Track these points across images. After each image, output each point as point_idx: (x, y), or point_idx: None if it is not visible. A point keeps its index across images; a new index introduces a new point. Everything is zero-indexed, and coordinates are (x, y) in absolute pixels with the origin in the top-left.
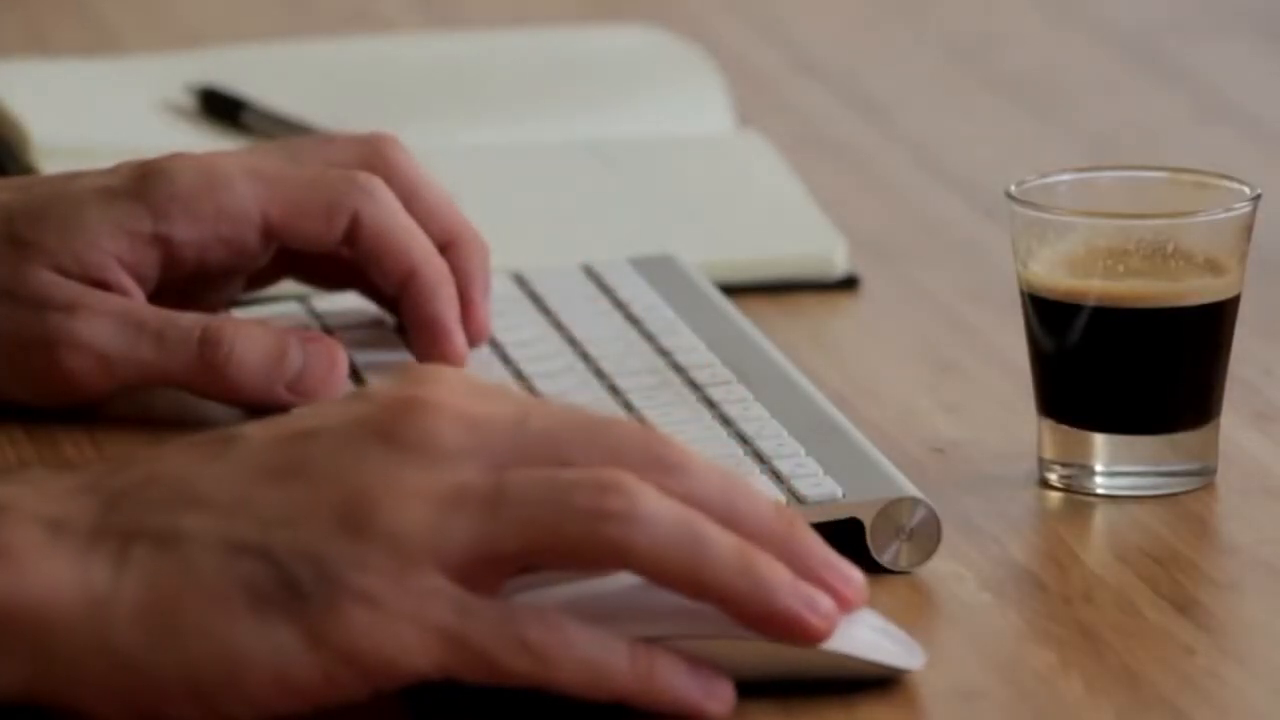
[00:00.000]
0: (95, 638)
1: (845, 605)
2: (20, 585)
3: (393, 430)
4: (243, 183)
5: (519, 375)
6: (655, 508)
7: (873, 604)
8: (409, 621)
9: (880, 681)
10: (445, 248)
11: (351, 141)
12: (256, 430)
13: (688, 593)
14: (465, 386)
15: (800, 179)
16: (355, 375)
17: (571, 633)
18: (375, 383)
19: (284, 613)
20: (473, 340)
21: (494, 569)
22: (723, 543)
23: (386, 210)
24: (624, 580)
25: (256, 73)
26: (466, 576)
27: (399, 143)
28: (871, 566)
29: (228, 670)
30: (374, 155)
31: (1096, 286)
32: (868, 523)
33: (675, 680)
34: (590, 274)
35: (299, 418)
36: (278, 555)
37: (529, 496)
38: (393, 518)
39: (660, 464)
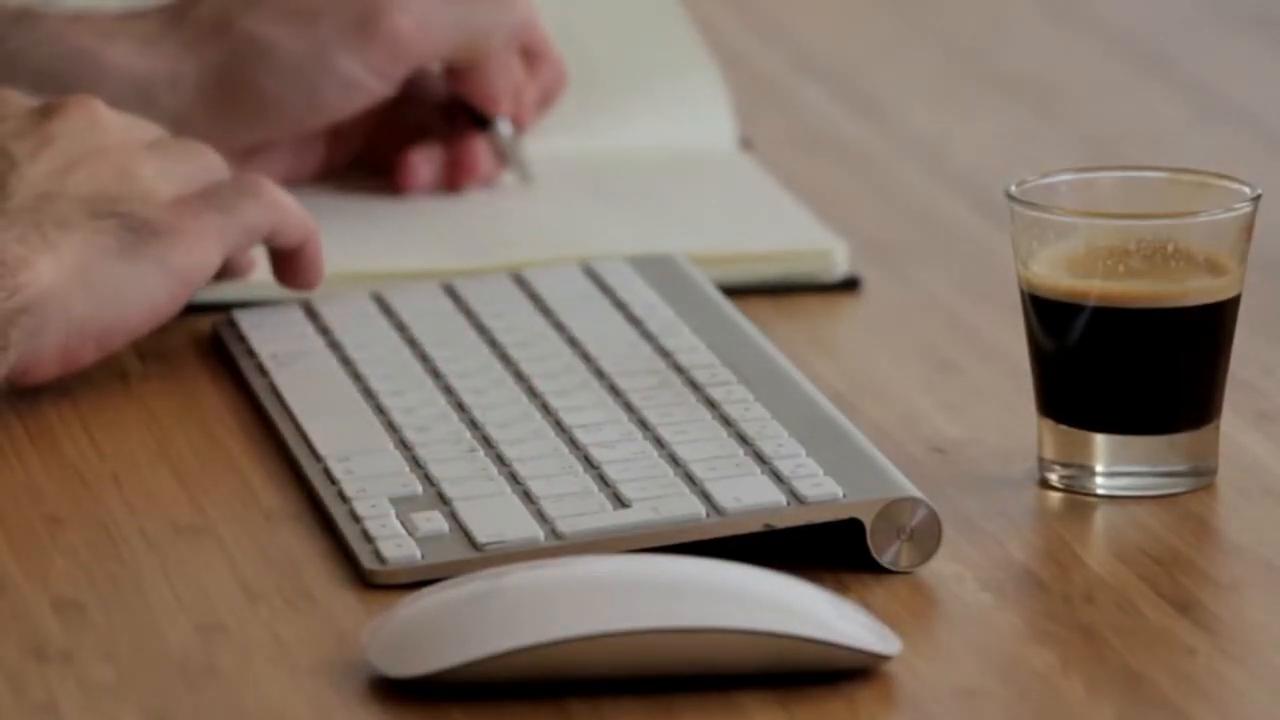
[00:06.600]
0: (61, 307)
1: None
2: (20, 282)
3: (113, 121)
4: None
5: (519, 375)
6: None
7: (873, 604)
8: (195, 235)
9: (881, 681)
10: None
11: None
12: (12, 147)
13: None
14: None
15: (799, 181)
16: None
17: (283, 195)
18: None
19: (140, 249)
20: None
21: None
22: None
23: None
24: (617, 573)
25: None
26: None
27: None
28: (871, 566)
29: (119, 308)
30: None
31: (1096, 286)
32: (868, 523)
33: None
34: (590, 274)
35: (15, 134)
36: (118, 209)
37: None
38: (141, 176)
39: None
